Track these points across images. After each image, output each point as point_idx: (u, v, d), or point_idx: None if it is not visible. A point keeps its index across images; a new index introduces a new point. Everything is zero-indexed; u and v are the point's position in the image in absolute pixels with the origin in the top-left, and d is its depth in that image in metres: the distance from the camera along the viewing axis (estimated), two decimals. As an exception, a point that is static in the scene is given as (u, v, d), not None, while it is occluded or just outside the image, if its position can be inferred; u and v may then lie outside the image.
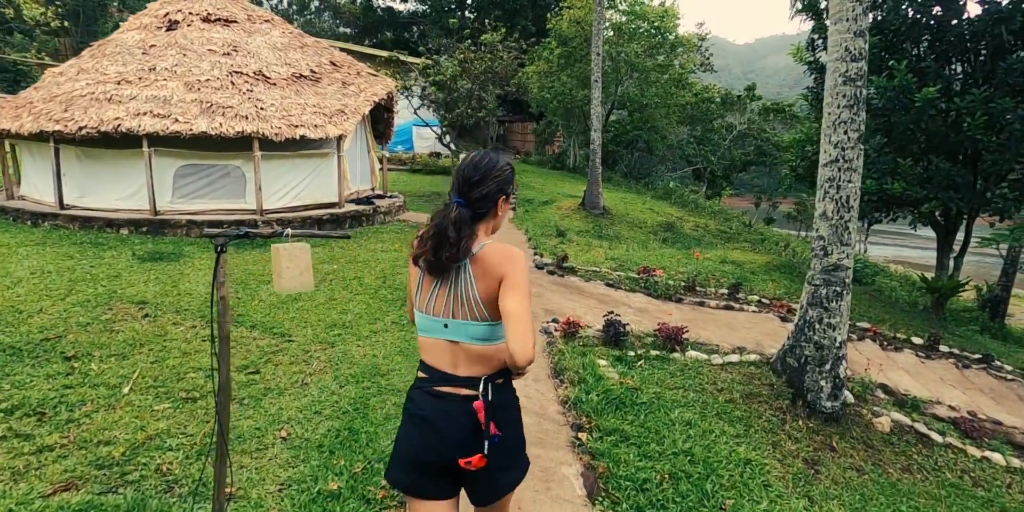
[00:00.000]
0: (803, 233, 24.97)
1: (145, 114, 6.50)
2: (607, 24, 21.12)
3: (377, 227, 8.43)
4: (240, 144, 7.04)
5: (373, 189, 10.31)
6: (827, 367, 4.42)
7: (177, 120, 6.55)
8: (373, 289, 5.76)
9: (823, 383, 4.41)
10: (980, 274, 21.17)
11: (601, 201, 16.08)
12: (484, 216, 1.61)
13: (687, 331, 5.19)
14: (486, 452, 1.52)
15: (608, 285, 6.93)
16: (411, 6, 38.95)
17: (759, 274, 8.14)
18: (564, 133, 26.47)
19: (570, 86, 21.51)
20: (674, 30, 21.56)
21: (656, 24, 21.26)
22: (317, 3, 42.22)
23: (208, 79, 7.16)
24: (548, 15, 23.16)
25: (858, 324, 7.02)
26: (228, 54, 7.67)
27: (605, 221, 15.42)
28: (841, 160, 4.27)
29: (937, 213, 7.36)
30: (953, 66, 7.35)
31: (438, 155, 21.79)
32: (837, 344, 4.44)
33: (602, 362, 4.71)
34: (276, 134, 7.02)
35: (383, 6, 39.16)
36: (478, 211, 1.59)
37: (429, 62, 18.38)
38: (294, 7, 42.10)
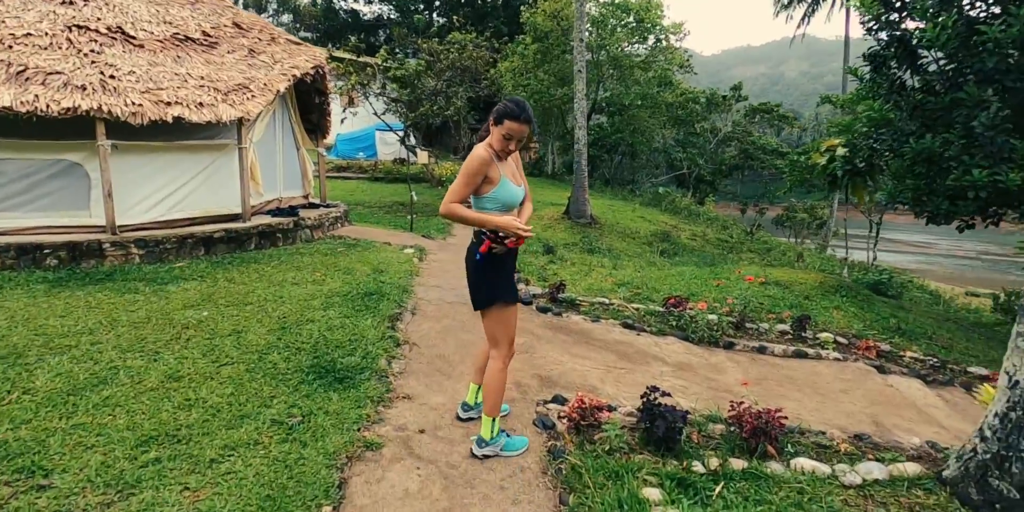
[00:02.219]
0: (794, 240, 23.27)
1: (-97, 80, 4.19)
2: (587, 17, 19.35)
3: (299, 247, 6.18)
4: (81, 129, 4.76)
5: (307, 197, 8.05)
6: (1080, 502, 2.34)
7: (-41, 89, 4.25)
8: (258, 353, 3.51)
9: (1074, 533, 2.32)
10: (985, 280, 19.79)
11: (588, 209, 14.08)
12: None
13: (783, 417, 3.06)
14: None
15: (626, 326, 4.79)
16: (376, 8, 36.94)
17: (816, 300, 6.13)
18: (540, 138, 24.57)
19: (547, 84, 19.62)
20: (659, 22, 19.88)
21: (640, 17, 19.55)
22: (275, 5, 39.73)
23: (29, 34, 4.88)
24: (522, 9, 21.31)
25: (969, 369, 5.02)
26: (70, 3, 5.41)
27: (594, 231, 13.40)
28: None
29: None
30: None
31: (403, 161, 19.63)
32: (1096, 458, 2.36)
33: (652, 494, 2.55)
34: (134, 113, 4.76)
35: (347, 8, 37.08)
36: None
37: (387, 56, 16.30)
38: (251, 9, 39.62)
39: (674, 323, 4.89)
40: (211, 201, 5.72)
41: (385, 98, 16.96)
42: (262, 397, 3.03)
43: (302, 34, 40.04)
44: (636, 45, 21.52)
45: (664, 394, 3.09)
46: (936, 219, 6.12)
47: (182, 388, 3.05)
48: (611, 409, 3.30)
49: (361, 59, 16.19)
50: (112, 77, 4.88)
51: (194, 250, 5.27)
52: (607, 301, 5.35)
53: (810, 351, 4.74)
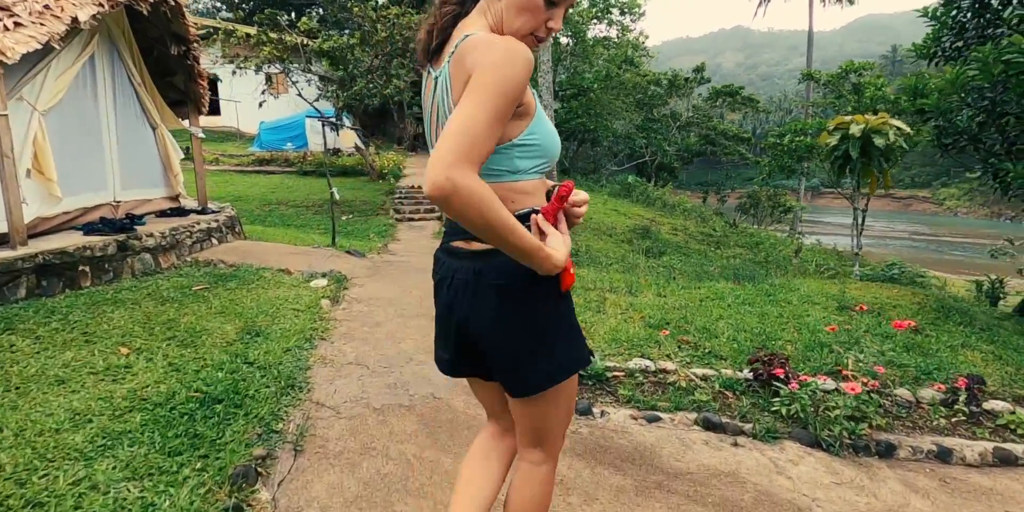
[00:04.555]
0: (757, 227, 21.88)
1: None
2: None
3: (124, 286, 3.70)
4: None
5: (176, 198, 5.50)
6: None
7: None
8: None
9: None
10: (923, 260, 19.09)
11: (559, 203, 11.91)
12: None
13: None
14: None
15: (709, 426, 2.66)
16: (304, -16, 33.41)
17: (931, 334, 4.21)
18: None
19: (501, 61, 17.32)
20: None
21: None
22: (188, -20, 35.38)
23: None
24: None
25: None
26: None
27: (566, 230, 11.34)
28: None
29: None
30: None
31: (337, 152, 16.97)
32: None
33: None
34: None
35: (272, -16, 33.32)
36: None
37: (313, 25, 13.64)
38: (159, -14, 35.10)
39: (783, 410, 2.79)
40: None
41: (313, 76, 14.34)
42: None
43: (223, 14, 35.95)
44: (594, 21, 19.56)
45: None
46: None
47: None
48: None
49: (274, 33, 13.31)
50: None
51: None
52: (650, 364, 3.20)
53: (1016, 449, 2.75)
